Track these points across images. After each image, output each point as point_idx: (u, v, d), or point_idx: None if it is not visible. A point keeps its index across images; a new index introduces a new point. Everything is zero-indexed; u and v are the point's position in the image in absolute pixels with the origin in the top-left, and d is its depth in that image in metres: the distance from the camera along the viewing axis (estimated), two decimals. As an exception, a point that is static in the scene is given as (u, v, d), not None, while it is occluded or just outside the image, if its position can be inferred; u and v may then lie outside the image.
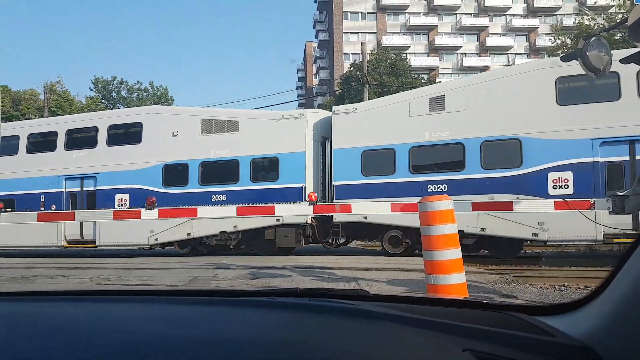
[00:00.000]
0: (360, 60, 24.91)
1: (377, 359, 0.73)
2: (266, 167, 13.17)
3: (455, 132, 11.30)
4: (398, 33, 60.39)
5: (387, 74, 31.72)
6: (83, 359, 0.74)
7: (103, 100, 44.99)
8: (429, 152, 11.69)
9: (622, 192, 9.10)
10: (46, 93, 33.84)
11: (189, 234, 12.90)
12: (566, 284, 7.34)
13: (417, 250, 11.23)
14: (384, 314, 0.92)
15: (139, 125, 14.33)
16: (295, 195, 12.40)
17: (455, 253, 4.71)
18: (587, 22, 26.38)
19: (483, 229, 10.68)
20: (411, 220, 9.73)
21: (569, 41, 27.70)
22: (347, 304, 1.01)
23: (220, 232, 12.81)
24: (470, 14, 61.01)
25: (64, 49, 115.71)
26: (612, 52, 6.66)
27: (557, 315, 0.85)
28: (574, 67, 7.70)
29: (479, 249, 11.70)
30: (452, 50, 60.68)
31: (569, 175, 10.32)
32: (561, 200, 10.09)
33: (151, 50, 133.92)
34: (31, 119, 32.72)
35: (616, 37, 22.58)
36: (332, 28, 62.23)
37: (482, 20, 60.45)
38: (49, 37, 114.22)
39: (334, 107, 13.54)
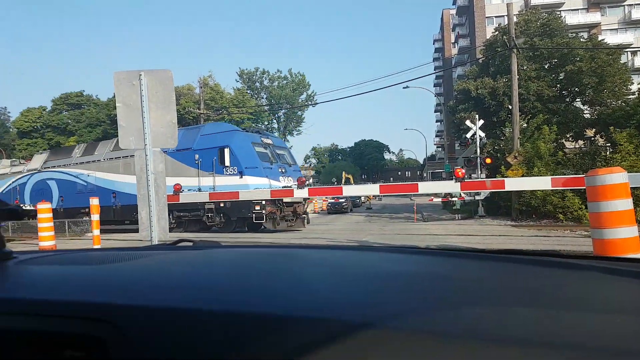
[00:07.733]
0: (507, 23, 23.04)
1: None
2: None
3: None
4: (550, -11, 54.68)
5: (539, 35, 28.54)
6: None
7: (248, 91, 47.65)
8: None
9: None
10: (201, 87, 36.04)
11: None
12: None
13: None
14: (590, 265, 1.08)
15: None
16: None
17: (630, 231, 4.31)
18: None
19: None
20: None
21: None
22: (571, 261, 1.17)
23: None
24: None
25: (213, 44, 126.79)
26: None
27: None
28: None
29: None
30: (616, 2, 53.01)
31: None
32: None
33: (285, 36, 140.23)
34: (190, 111, 35.60)
35: None
36: (473, -8, 58.57)
37: (654, -38, 51.90)
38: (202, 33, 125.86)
39: None
